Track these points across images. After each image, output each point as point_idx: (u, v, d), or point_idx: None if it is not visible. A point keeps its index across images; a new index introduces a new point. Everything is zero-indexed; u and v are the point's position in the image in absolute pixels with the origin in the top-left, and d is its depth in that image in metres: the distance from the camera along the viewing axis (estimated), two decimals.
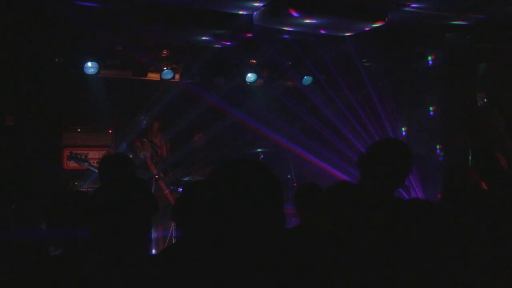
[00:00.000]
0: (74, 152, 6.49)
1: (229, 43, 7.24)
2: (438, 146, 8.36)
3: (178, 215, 2.65)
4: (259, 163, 1.73)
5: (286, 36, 7.35)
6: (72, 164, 7.11)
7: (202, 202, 1.71)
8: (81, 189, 6.65)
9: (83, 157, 6.36)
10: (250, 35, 6.91)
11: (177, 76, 8.07)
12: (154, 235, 6.37)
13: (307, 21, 6.22)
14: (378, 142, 3.00)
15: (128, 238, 2.36)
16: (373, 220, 2.56)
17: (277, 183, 1.69)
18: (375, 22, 6.24)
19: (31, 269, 2.50)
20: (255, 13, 6.40)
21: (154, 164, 6.77)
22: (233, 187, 1.62)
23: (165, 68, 7.84)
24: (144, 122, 6.96)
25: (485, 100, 4.20)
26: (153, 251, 6.06)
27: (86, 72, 7.36)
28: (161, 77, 7.91)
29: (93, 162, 6.35)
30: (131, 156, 6.08)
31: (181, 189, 6.39)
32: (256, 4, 6.11)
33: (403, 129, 8.84)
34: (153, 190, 6.45)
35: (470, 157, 4.76)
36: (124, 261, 2.28)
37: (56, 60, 7.26)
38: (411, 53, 8.10)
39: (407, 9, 6.13)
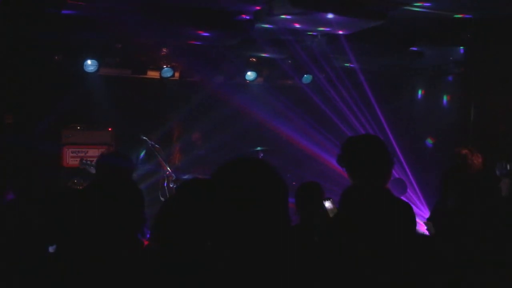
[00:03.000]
0: (85, 159, 6.46)
1: (229, 42, 7.24)
2: (430, 141, 8.37)
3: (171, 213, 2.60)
4: (263, 162, 1.72)
5: (286, 34, 7.34)
6: (72, 162, 7.11)
7: (205, 201, 1.70)
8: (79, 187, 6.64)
9: (88, 162, 6.34)
10: (250, 33, 6.90)
11: (176, 74, 8.07)
12: None
13: (307, 19, 6.21)
14: (354, 139, 2.93)
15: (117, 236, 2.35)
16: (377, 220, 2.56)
17: (281, 182, 1.67)
18: (375, 20, 6.23)
19: (29, 267, 2.50)
20: (255, 11, 6.39)
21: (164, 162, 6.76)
22: (237, 186, 1.61)
23: (164, 66, 7.84)
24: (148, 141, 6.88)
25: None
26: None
27: (86, 70, 7.36)
28: (160, 75, 7.91)
29: (93, 161, 6.33)
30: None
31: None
32: (256, 3, 6.11)
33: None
34: (165, 185, 6.51)
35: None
36: (116, 258, 2.27)
37: (56, 58, 7.25)
38: (410, 52, 8.09)
39: (407, 8, 6.11)
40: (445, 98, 8.45)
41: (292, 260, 1.68)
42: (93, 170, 6.23)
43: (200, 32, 6.89)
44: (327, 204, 3.42)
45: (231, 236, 1.60)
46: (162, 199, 6.55)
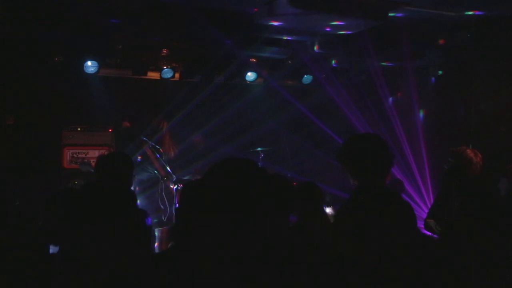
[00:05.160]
0: (76, 155, 6.52)
1: (229, 42, 7.25)
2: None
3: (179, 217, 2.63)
4: (251, 163, 1.70)
5: (286, 35, 7.35)
6: (73, 164, 7.11)
7: (196, 203, 1.70)
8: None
9: (85, 160, 6.39)
10: (251, 33, 6.92)
11: (177, 75, 8.08)
12: (158, 233, 6.38)
13: (307, 19, 6.21)
14: (355, 138, 2.93)
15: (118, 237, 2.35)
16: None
17: (270, 183, 1.66)
18: (375, 20, 6.24)
19: (30, 268, 2.50)
20: (255, 11, 6.39)
21: (160, 166, 6.78)
22: (226, 187, 1.60)
23: (165, 67, 7.85)
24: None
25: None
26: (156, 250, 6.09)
27: (86, 71, 7.37)
28: (161, 76, 7.92)
29: (93, 161, 6.36)
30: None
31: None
32: (257, 2, 6.11)
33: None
34: (163, 192, 6.50)
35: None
36: (119, 260, 2.27)
37: (56, 59, 7.26)
38: (410, 52, 8.09)
39: (407, 7, 6.12)
40: (445, 99, 8.45)
41: (289, 260, 1.68)
42: (85, 168, 6.27)
43: (201, 31, 6.90)
44: (328, 210, 3.43)
45: (223, 237, 1.59)
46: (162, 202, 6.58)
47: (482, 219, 2.87)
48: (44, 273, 2.43)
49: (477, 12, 6.38)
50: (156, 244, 6.24)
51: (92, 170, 6.03)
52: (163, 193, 6.58)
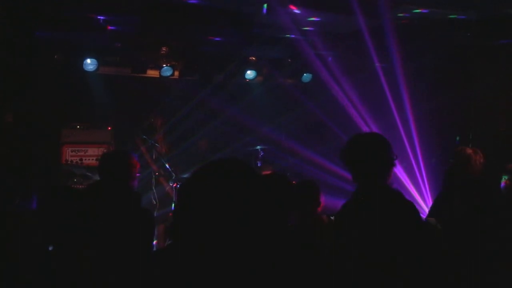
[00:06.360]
0: (70, 161, 6.60)
1: (229, 40, 7.25)
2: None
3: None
4: (241, 163, 1.69)
5: (286, 33, 7.35)
6: (69, 167, 7.13)
7: (194, 202, 1.69)
8: (79, 186, 6.65)
9: (78, 163, 6.42)
10: (250, 32, 6.91)
11: (176, 73, 8.08)
12: (155, 231, 6.38)
13: (307, 18, 6.22)
14: (358, 137, 2.94)
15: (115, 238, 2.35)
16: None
17: (262, 184, 1.65)
18: (375, 19, 6.24)
19: (30, 268, 2.50)
20: (255, 10, 6.39)
21: (154, 161, 6.82)
22: (225, 187, 1.60)
23: (164, 65, 7.84)
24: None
25: None
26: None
27: (85, 69, 7.36)
28: (160, 74, 7.92)
29: (92, 159, 6.39)
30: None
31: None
32: (256, 1, 6.11)
33: None
34: (153, 187, 6.52)
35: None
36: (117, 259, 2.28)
37: (56, 57, 7.25)
38: (409, 51, 8.08)
39: (408, 7, 6.13)
40: (445, 98, 8.45)
41: (289, 260, 1.68)
42: (78, 171, 6.29)
43: (201, 30, 6.91)
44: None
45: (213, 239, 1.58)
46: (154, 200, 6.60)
47: (482, 217, 2.88)
48: (44, 273, 2.43)
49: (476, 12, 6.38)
50: (154, 242, 6.26)
51: (87, 173, 6.06)
52: (154, 189, 6.60)
